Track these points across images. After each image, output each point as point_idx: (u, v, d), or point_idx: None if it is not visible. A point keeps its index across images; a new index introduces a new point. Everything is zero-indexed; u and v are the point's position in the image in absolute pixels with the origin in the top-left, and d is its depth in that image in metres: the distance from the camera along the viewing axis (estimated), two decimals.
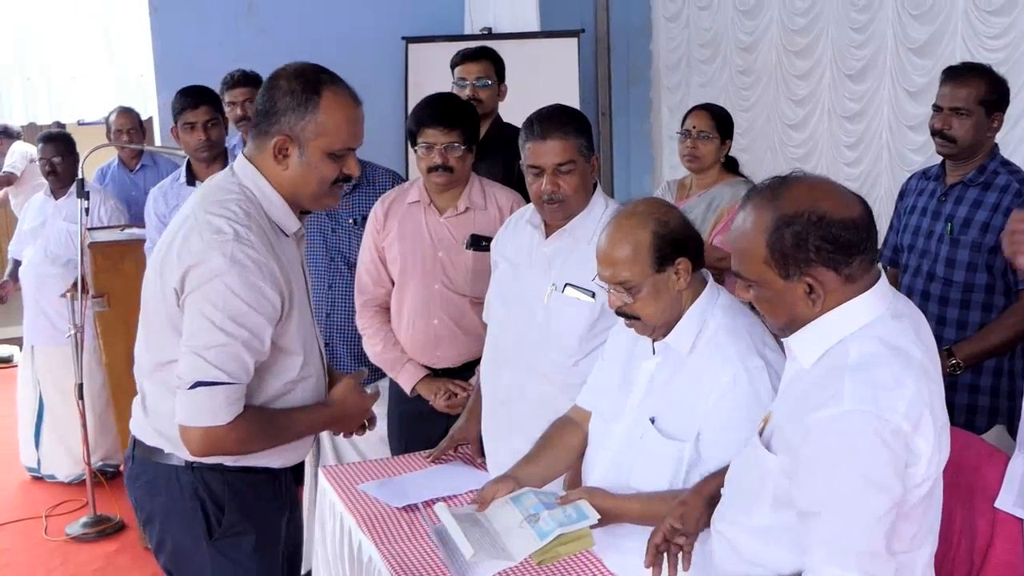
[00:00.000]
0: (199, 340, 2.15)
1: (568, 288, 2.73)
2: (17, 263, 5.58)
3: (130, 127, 5.66)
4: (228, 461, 2.29)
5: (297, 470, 3.65)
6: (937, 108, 3.35)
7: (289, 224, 2.32)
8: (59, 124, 7.43)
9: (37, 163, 5.50)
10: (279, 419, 2.30)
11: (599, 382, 2.51)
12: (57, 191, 5.27)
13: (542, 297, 2.78)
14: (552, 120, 2.72)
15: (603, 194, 2.84)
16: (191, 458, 2.26)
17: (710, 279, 2.33)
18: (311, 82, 2.23)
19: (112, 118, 5.73)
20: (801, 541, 1.80)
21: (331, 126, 2.23)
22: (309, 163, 2.25)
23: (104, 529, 4.64)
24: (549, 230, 2.83)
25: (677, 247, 2.24)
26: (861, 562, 1.71)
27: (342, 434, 2.60)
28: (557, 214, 2.77)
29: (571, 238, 2.78)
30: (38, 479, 5.42)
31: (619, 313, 2.31)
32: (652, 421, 2.27)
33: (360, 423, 2.53)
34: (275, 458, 2.37)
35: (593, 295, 2.69)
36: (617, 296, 2.28)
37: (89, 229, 4.61)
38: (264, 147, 2.26)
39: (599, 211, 2.77)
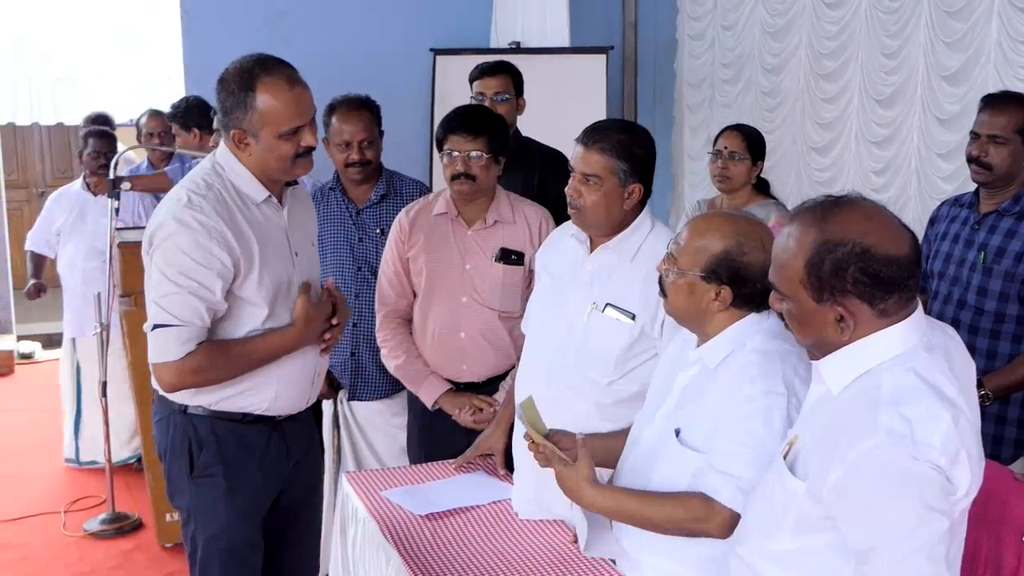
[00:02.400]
0: (156, 291, 2.53)
1: (609, 308, 2.71)
2: (41, 258, 5.60)
3: (160, 130, 5.69)
4: (211, 405, 2.63)
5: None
6: (974, 135, 3.34)
7: (255, 194, 2.62)
8: (104, 118, 7.09)
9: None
10: (234, 347, 2.60)
11: (649, 393, 2.52)
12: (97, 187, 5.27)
13: (582, 315, 2.76)
14: (600, 132, 2.70)
15: (650, 215, 2.80)
16: (184, 402, 2.63)
17: None
18: (245, 79, 2.53)
19: (143, 120, 5.77)
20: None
21: (271, 114, 2.52)
22: (266, 147, 2.56)
23: (122, 527, 4.65)
24: (593, 245, 2.81)
25: (732, 277, 2.23)
26: None
27: (321, 350, 2.79)
28: (576, 219, 2.76)
29: (614, 255, 2.75)
30: (75, 468, 5.45)
31: (660, 278, 2.35)
32: (677, 433, 2.27)
33: (320, 330, 2.72)
34: (256, 402, 2.66)
35: (633, 317, 2.67)
36: (665, 263, 2.32)
37: (118, 229, 4.63)
38: (228, 140, 2.61)
39: (644, 231, 2.74)
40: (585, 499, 2.31)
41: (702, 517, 2.17)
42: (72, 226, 5.38)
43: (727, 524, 2.14)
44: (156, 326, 2.52)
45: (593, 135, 2.70)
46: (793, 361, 2.19)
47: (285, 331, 2.64)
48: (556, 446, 2.40)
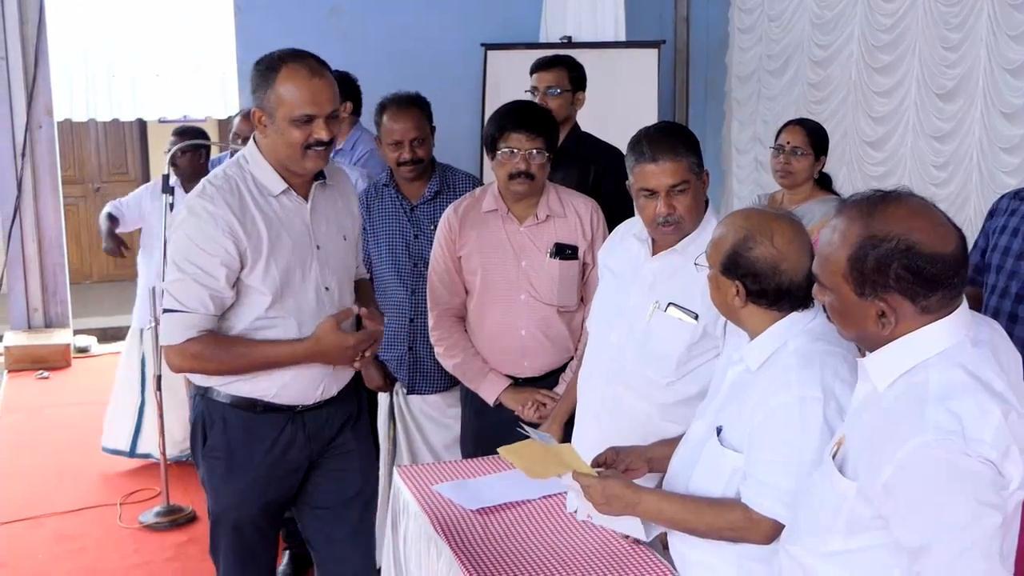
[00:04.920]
0: (167, 277, 2.66)
1: (671, 308, 2.68)
2: (114, 220, 5.44)
3: (247, 135, 5.67)
4: (221, 387, 2.73)
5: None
6: None
7: (272, 186, 2.67)
8: (141, 122, 7.43)
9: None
10: (237, 344, 2.66)
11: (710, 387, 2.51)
12: (185, 184, 5.27)
13: (643, 314, 2.73)
14: (663, 141, 2.65)
15: (715, 212, 2.77)
16: (204, 385, 2.76)
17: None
18: (273, 61, 2.61)
19: (236, 120, 5.81)
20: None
21: (287, 96, 2.57)
22: (278, 130, 2.60)
23: (176, 519, 4.70)
24: (656, 246, 2.77)
25: (741, 272, 2.23)
26: None
27: (362, 373, 2.90)
28: (672, 236, 2.71)
29: (679, 256, 2.71)
30: (130, 457, 5.46)
31: None
32: (719, 430, 2.27)
33: (343, 360, 2.74)
34: (263, 388, 2.71)
35: (696, 317, 2.64)
36: (704, 258, 2.34)
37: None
38: (254, 121, 2.67)
39: (709, 231, 2.68)
40: (629, 505, 2.32)
41: (741, 527, 2.17)
42: (157, 219, 5.41)
43: (768, 533, 2.14)
44: (165, 310, 2.63)
45: (658, 147, 2.64)
46: (835, 363, 2.16)
47: (296, 345, 2.68)
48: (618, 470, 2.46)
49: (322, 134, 2.59)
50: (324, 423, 2.85)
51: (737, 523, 2.17)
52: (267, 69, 2.60)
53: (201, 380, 2.77)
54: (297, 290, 2.70)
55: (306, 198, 2.74)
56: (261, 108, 2.61)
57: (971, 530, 1.67)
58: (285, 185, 2.68)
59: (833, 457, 1.89)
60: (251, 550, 2.92)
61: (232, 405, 2.75)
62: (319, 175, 2.77)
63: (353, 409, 2.97)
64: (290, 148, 2.61)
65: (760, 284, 2.21)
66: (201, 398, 2.80)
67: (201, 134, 5.36)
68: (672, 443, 2.52)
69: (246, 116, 5.71)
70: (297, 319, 2.72)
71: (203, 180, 2.66)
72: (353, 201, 2.97)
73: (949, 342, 1.78)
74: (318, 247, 2.75)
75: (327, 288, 2.75)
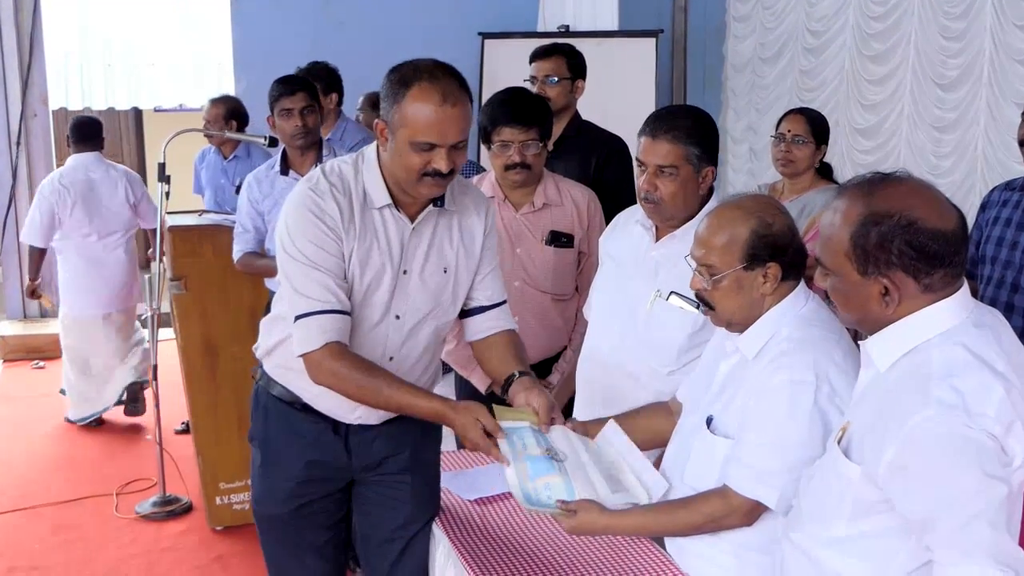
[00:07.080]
0: (285, 279, 2.47)
1: (673, 296, 2.67)
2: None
3: (209, 119, 5.75)
4: (271, 376, 2.64)
5: None
6: None
7: (375, 197, 2.47)
8: (136, 110, 7.67)
9: None
10: (380, 380, 2.41)
11: (694, 377, 2.49)
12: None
13: (645, 303, 2.73)
14: (666, 121, 2.66)
15: (719, 201, 2.76)
16: (262, 359, 2.68)
17: (801, 285, 2.28)
18: (405, 76, 2.36)
19: (207, 106, 5.85)
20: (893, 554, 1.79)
21: (411, 118, 2.34)
22: (397, 149, 2.38)
23: (173, 509, 4.70)
24: (659, 233, 2.77)
25: (773, 251, 2.20)
26: (994, 553, 1.68)
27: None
28: (653, 214, 2.72)
29: (681, 244, 2.68)
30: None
31: (697, 296, 2.31)
32: (709, 420, 2.26)
33: (465, 440, 2.43)
34: (303, 387, 2.54)
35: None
36: (699, 279, 2.27)
37: (169, 213, 4.66)
38: (376, 130, 2.48)
39: None
40: (605, 529, 2.28)
41: (720, 515, 2.18)
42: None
43: (748, 514, 2.15)
44: (297, 317, 2.42)
45: (660, 124, 2.65)
46: (828, 348, 2.15)
47: (439, 408, 2.40)
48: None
49: (441, 164, 2.36)
50: (370, 443, 2.65)
51: (715, 512, 2.18)
52: (399, 82, 2.36)
53: (261, 354, 2.68)
54: (361, 305, 2.49)
55: (412, 218, 2.51)
56: (385, 121, 2.40)
57: (977, 501, 1.68)
58: (388, 201, 2.46)
59: (839, 443, 1.89)
60: (293, 552, 2.74)
61: (276, 397, 2.64)
62: (438, 199, 2.53)
63: (412, 438, 2.69)
64: (406, 172, 2.39)
65: (791, 254, 2.22)
66: (256, 381, 2.71)
67: (95, 122, 5.99)
68: (635, 416, 2.52)
69: (214, 103, 5.81)
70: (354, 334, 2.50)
71: (318, 171, 2.49)
72: (477, 230, 2.62)
73: (951, 322, 1.79)
74: (404, 272, 2.52)
75: (397, 316, 2.52)
